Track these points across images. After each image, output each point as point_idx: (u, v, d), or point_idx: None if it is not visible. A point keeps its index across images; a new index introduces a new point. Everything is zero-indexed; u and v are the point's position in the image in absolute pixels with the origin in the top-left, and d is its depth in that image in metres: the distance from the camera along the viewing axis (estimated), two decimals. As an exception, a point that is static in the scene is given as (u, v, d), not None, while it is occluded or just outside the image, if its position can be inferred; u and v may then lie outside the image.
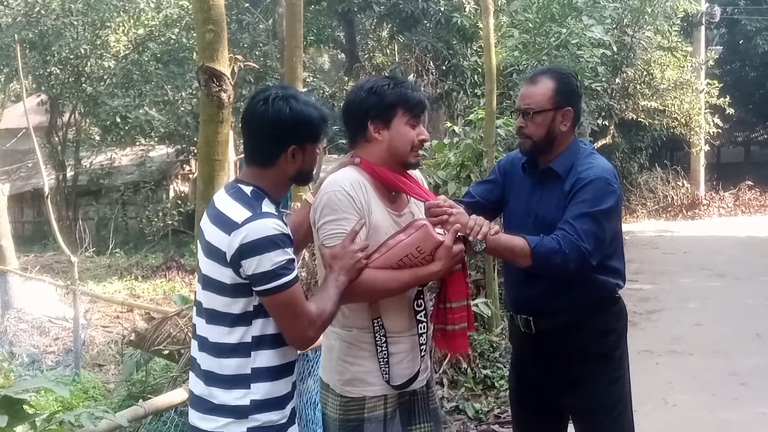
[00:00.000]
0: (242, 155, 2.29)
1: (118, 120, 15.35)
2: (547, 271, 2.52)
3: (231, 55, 5.58)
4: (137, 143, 18.06)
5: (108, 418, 2.31)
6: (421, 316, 2.37)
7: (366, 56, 16.75)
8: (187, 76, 15.01)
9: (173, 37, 16.08)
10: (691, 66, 15.88)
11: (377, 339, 2.30)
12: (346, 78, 17.13)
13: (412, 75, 12.16)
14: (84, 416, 2.19)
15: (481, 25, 7.91)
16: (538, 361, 2.75)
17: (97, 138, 18.37)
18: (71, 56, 15.58)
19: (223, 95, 5.10)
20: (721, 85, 16.18)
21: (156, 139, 17.65)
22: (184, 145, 17.01)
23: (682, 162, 20.05)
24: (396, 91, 2.30)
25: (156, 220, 16.60)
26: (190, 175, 18.46)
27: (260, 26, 15.20)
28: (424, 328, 2.38)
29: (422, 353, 2.38)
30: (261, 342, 2.07)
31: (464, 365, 5.33)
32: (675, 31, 14.40)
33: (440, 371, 5.16)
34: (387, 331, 2.30)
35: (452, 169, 6.29)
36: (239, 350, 2.05)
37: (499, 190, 2.84)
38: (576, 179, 2.57)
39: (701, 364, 5.95)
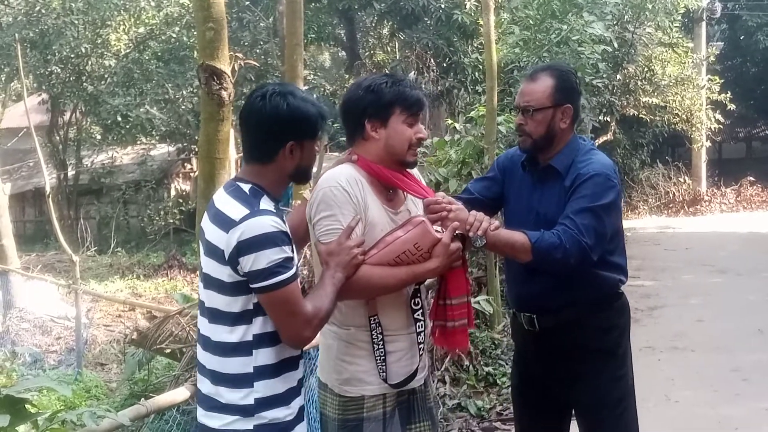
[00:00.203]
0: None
1: (119, 119, 15.38)
2: (548, 266, 2.52)
3: (231, 53, 5.59)
4: (138, 142, 18.08)
5: (110, 417, 2.31)
6: (418, 314, 2.35)
7: (367, 54, 16.77)
8: (188, 74, 15.02)
9: (174, 35, 16.11)
10: (692, 62, 15.83)
11: (374, 337, 2.28)
12: (347, 76, 17.11)
13: (413, 72, 12.16)
14: (86, 415, 2.19)
15: (481, 22, 7.91)
16: (541, 358, 2.74)
17: (98, 137, 18.40)
18: (72, 55, 15.59)
19: (224, 93, 5.12)
20: (722, 80, 16.12)
21: (157, 137, 17.68)
22: (185, 144, 17.02)
23: (684, 158, 19.98)
24: (394, 90, 2.28)
25: (157, 218, 16.59)
26: (192, 174, 18.47)
27: (261, 24, 15.22)
28: (421, 326, 2.36)
29: (420, 351, 2.37)
30: (262, 340, 2.06)
31: (466, 362, 5.33)
32: (676, 27, 14.35)
33: (442, 368, 5.15)
34: (384, 328, 2.29)
35: (453, 166, 6.29)
36: (241, 349, 2.05)
37: (498, 187, 2.82)
38: (576, 175, 2.57)
39: (703, 360, 5.95)
